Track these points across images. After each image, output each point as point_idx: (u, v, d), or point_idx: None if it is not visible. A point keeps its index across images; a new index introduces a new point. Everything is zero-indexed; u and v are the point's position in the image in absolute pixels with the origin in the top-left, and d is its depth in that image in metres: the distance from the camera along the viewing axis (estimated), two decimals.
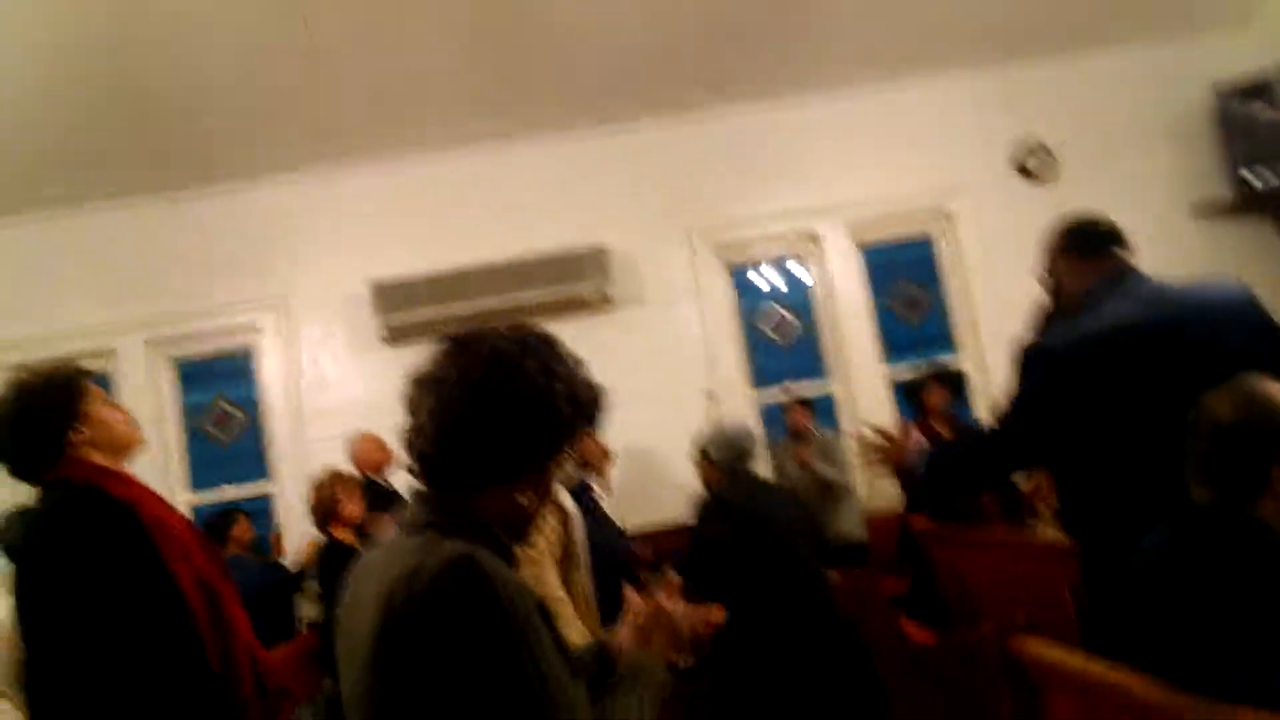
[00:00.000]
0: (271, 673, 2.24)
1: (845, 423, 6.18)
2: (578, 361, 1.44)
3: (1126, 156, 6.22)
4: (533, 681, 1.21)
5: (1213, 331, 2.26)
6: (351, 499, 4.28)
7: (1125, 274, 2.44)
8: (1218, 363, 2.05)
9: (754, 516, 3.65)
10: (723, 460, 3.82)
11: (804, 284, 6.46)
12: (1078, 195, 5.45)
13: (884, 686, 3.43)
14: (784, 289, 6.49)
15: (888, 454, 2.69)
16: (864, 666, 3.73)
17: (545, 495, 1.44)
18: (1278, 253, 6.16)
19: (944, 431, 5.07)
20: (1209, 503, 1.83)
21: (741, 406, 6.06)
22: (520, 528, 1.42)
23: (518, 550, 1.42)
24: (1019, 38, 6.26)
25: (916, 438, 2.64)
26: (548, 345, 1.42)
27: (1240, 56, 6.07)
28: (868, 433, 2.82)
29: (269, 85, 5.57)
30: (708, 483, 3.93)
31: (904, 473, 2.66)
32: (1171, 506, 1.89)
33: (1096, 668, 1.80)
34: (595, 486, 4.90)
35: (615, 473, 5.58)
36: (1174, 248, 5.57)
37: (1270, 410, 1.80)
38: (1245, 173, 6.01)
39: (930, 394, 5.39)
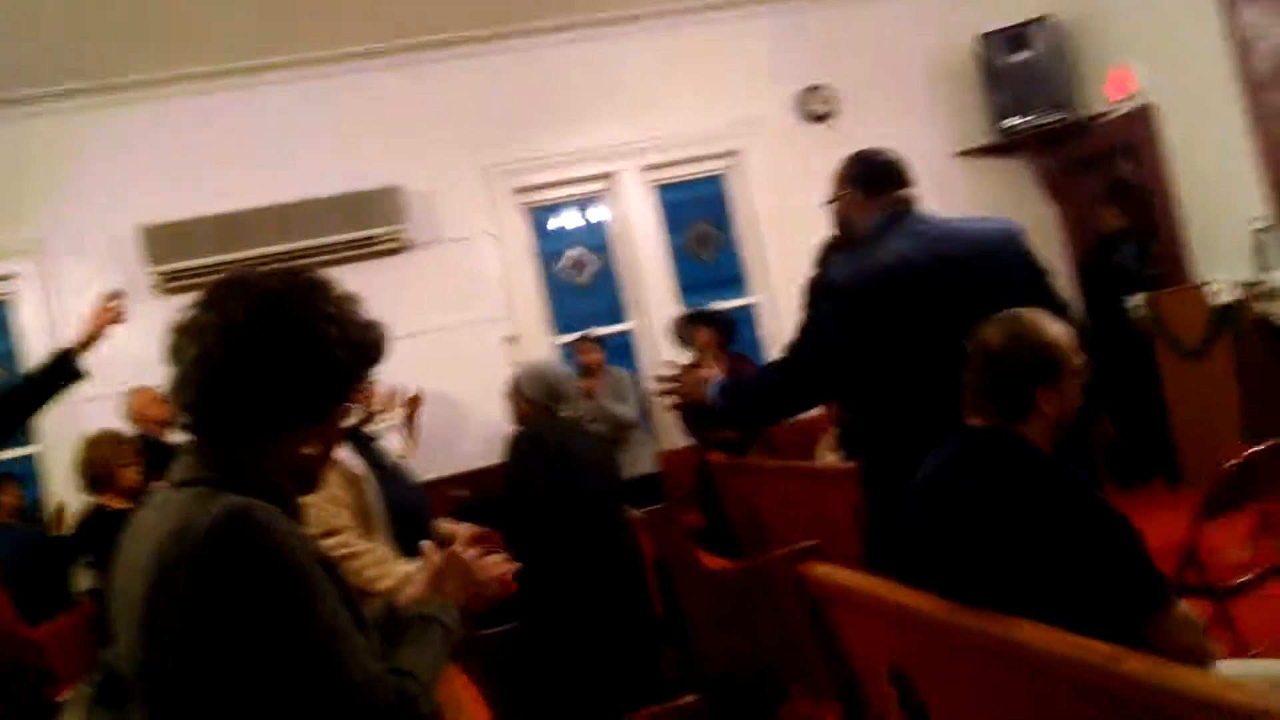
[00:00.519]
0: (33, 647, 2.09)
1: (644, 361, 6.27)
2: (353, 303, 1.39)
3: (902, 99, 6.51)
4: (315, 632, 1.18)
5: (985, 266, 2.39)
6: (129, 463, 4.03)
7: (907, 211, 2.55)
8: (989, 295, 2.16)
9: (565, 454, 3.67)
10: (537, 398, 3.83)
11: (602, 224, 6.46)
12: (857, 135, 5.65)
13: (684, 618, 3.54)
14: (583, 229, 6.47)
15: (682, 389, 2.74)
16: (663, 601, 3.83)
17: (333, 444, 1.40)
18: (1032, 191, 6.67)
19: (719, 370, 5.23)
20: (982, 425, 1.94)
21: (542, 349, 6.02)
22: (307, 479, 1.38)
23: (304, 502, 1.37)
24: None
25: (710, 373, 2.76)
26: (318, 287, 1.36)
27: (1004, 7, 6.41)
28: (664, 369, 2.88)
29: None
30: (521, 419, 3.92)
31: (696, 407, 2.73)
32: (948, 430, 1.99)
33: (878, 588, 1.89)
34: (392, 438, 4.77)
35: (422, 418, 5.46)
36: (942, 185, 5.91)
37: (1035, 339, 1.91)
38: (1007, 118, 6.39)
39: (697, 337, 5.56)
